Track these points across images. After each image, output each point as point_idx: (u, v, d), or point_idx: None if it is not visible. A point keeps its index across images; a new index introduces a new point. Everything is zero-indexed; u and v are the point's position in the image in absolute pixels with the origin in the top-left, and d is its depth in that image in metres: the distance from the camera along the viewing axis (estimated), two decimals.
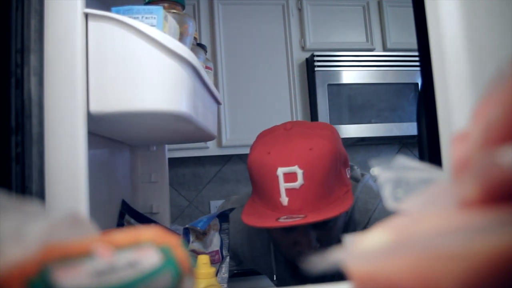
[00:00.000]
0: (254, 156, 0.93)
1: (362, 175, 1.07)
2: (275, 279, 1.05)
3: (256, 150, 0.94)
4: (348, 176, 0.96)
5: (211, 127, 0.96)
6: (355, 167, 1.10)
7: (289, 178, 0.86)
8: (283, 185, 0.86)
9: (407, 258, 0.15)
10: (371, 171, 0.21)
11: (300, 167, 0.86)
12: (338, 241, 0.95)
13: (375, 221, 0.97)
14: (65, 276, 0.22)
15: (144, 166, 1.17)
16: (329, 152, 0.88)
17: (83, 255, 0.23)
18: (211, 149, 2.33)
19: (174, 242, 0.26)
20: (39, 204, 0.48)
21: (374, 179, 1.00)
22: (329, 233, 0.92)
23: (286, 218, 0.85)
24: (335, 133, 0.95)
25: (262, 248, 1.08)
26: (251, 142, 0.99)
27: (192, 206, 2.63)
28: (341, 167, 0.92)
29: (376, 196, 1.01)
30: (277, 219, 0.86)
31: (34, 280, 0.21)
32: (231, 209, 1.01)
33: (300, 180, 0.86)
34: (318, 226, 0.91)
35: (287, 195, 0.86)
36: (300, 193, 0.86)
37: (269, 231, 0.99)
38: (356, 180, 1.05)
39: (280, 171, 0.86)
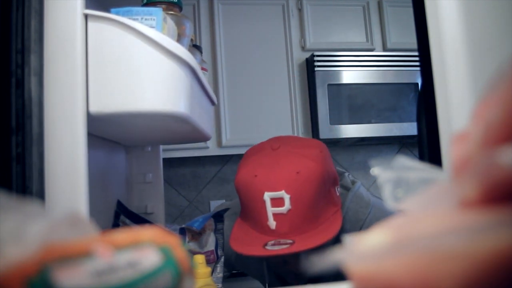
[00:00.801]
0: (240, 177, 0.92)
1: (353, 182, 1.06)
2: (267, 287, 1.05)
3: (243, 171, 0.93)
4: (338, 194, 0.95)
5: (207, 128, 0.96)
6: (346, 173, 1.08)
7: (276, 203, 0.85)
8: (270, 210, 0.86)
9: (407, 258, 0.15)
10: (371, 171, 0.21)
11: (287, 192, 0.85)
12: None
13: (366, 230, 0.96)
14: (65, 276, 0.22)
15: (139, 167, 1.18)
16: (317, 174, 0.87)
17: (83, 255, 0.23)
18: (211, 149, 2.32)
19: (174, 242, 0.26)
20: (39, 204, 0.48)
21: (374, 185, 1.00)
22: (319, 250, 0.92)
23: (274, 244, 0.84)
24: (324, 151, 0.94)
25: (254, 257, 1.08)
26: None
27: (192, 206, 2.63)
28: (330, 187, 0.92)
29: (366, 205, 1.00)
30: (264, 245, 0.85)
31: (34, 280, 0.21)
32: (226, 209, 1.01)
33: (287, 205, 0.85)
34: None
35: (274, 219, 0.85)
36: (287, 218, 0.85)
37: None
38: (346, 188, 1.04)
39: (267, 196, 0.86)
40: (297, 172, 0.87)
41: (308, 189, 0.86)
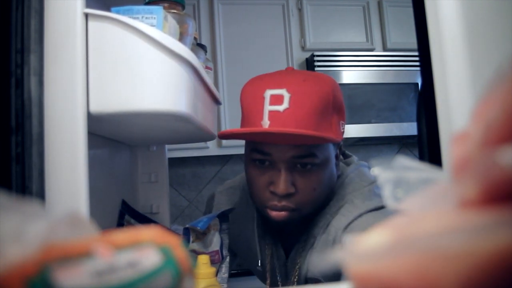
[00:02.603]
0: (247, 84, 0.92)
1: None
2: (259, 264, 1.00)
3: (250, 80, 0.93)
4: (342, 131, 0.92)
5: (211, 127, 0.96)
6: (354, 157, 1.05)
7: (275, 100, 0.84)
8: (267, 107, 0.84)
9: (407, 258, 0.15)
10: (371, 171, 0.21)
11: (288, 90, 0.84)
12: (314, 194, 0.88)
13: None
14: (65, 276, 0.22)
15: (144, 166, 1.18)
16: (322, 88, 0.86)
17: (83, 255, 0.23)
18: (211, 149, 2.32)
19: (174, 242, 0.26)
20: (39, 204, 0.48)
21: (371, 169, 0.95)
22: (306, 179, 0.87)
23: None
24: (334, 81, 0.93)
25: (246, 230, 1.05)
26: None
27: (192, 206, 2.63)
28: (334, 113, 0.89)
29: (367, 180, 0.93)
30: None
31: (34, 280, 0.21)
32: (231, 209, 1.00)
33: (285, 104, 0.83)
34: (296, 169, 0.87)
35: (269, 119, 0.84)
36: (282, 118, 0.83)
37: (246, 172, 0.94)
38: (348, 164, 1.01)
39: (268, 93, 0.85)
40: (304, 80, 0.86)
41: (310, 96, 0.84)
